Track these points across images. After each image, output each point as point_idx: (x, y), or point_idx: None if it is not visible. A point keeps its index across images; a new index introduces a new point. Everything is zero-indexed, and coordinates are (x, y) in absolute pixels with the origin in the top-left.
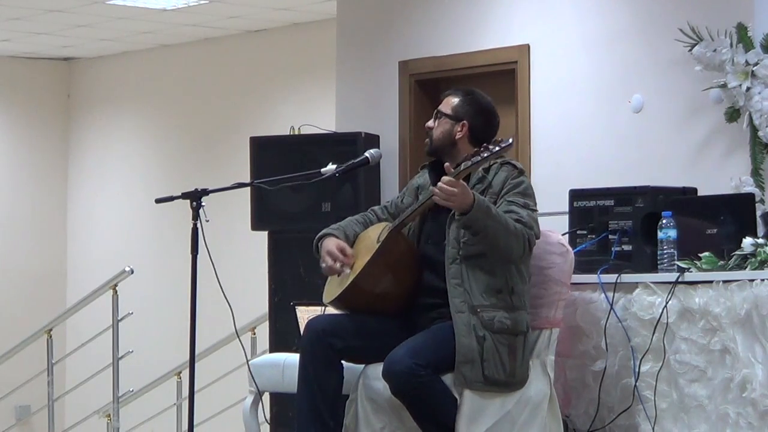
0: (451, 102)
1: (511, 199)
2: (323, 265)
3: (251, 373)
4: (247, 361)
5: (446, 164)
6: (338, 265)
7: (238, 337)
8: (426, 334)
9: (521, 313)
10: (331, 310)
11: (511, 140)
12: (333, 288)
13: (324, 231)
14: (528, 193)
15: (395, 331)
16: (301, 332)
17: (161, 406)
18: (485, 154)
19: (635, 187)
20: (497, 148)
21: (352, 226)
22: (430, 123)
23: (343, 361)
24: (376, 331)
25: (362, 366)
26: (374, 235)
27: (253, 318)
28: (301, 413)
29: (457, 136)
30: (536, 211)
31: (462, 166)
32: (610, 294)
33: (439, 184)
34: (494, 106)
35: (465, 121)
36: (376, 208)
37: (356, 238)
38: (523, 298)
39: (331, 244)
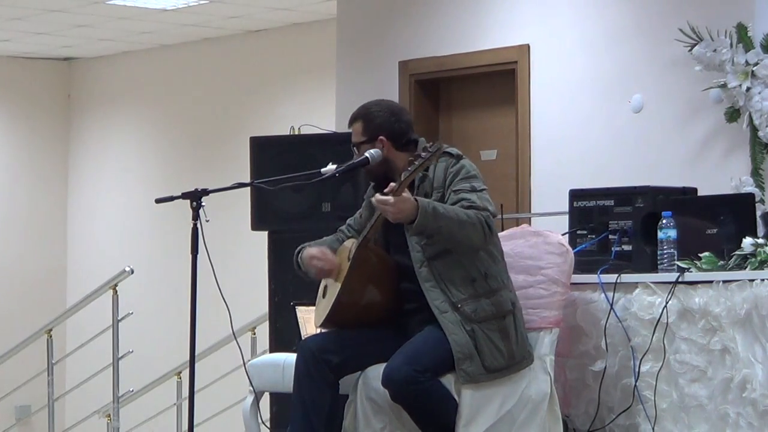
0: (357, 129)
1: (457, 188)
2: (313, 270)
3: (248, 375)
4: (244, 363)
5: (391, 184)
6: (327, 265)
7: (236, 338)
8: (421, 338)
9: (502, 293)
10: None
11: (438, 146)
12: (321, 310)
13: (300, 246)
14: (470, 176)
15: (391, 336)
16: (301, 332)
17: (161, 406)
18: (417, 163)
19: (635, 187)
20: (427, 155)
21: (329, 242)
22: (356, 157)
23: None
24: (370, 338)
25: None
26: (345, 253)
27: (253, 318)
28: (294, 431)
29: (385, 153)
30: (485, 189)
31: (402, 177)
32: (610, 294)
33: (373, 201)
34: (392, 102)
35: (381, 136)
36: (342, 227)
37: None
38: (499, 277)
39: (312, 251)
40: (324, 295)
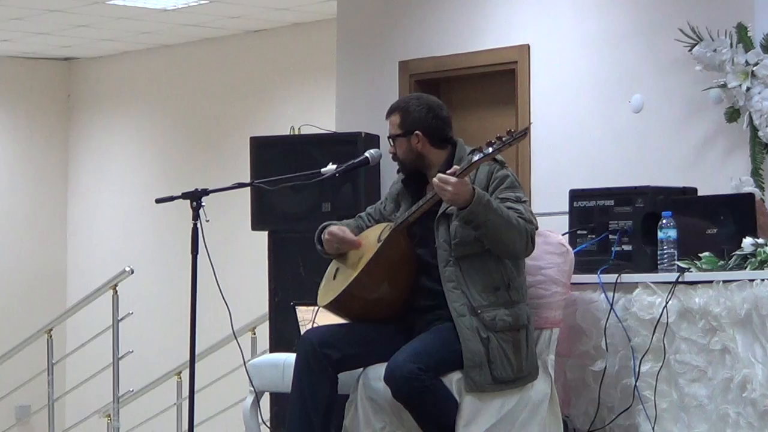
0: (394, 122)
1: (504, 196)
2: (330, 248)
3: (249, 375)
4: (245, 363)
5: (455, 166)
6: (347, 241)
7: (236, 338)
8: (426, 336)
9: (521, 307)
10: (324, 315)
11: (525, 130)
12: (328, 291)
13: (325, 223)
14: (516, 185)
15: (393, 335)
16: (301, 332)
17: (161, 406)
18: (496, 146)
19: (635, 187)
20: (509, 139)
21: (351, 226)
22: (390, 149)
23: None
24: (372, 337)
25: None
26: (374, 235)
27: (253, 318)
28: (291, 424)
29: (419, 148)
30: (527, 201)
31: (472, 159)
32: (610, 294)
33: (434, 180)
34: (434, 99)
35: (417, 131)
36: (362, 214)
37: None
38: (520, 290)
39: (335, 228)
40: (334, 277)
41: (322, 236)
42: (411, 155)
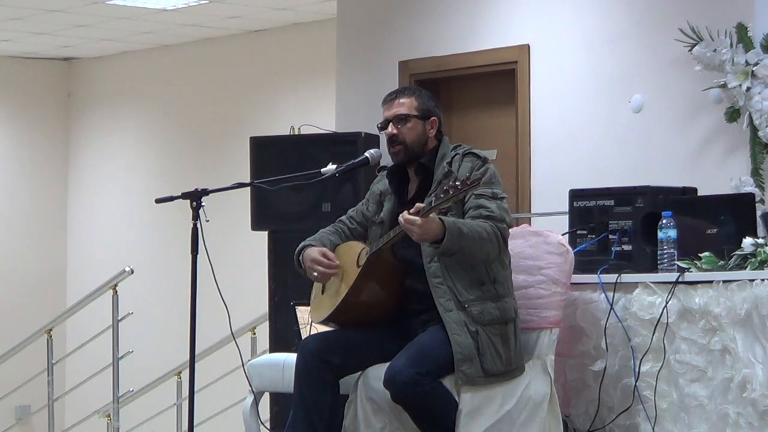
0: (409, 103)
1: (480, 192)
2: (314, 274)
3: (247, 375)
4: (243, 363)
5: (418, 204)
6: (329, 270)
7: (234, 339)
8: (423, 339)
9: (507, 300)
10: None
11: (477, 180)
12: (323, 307)
13: (301, 245)
14: (494, 182)
15: (389, 337)
16: (301, 332)
17: (161, 406)
18: (452, 192)
19: (635, 187)
20: (464, 188)
21: (327, 236)
22: (392, 131)
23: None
24: (370, 339)
25: None
26: (352, 255)
27: (253, 318)
28: None
29: (430, 134)
30: (505, 197)
31: (433, 203)
32: (610, 294)
33: (401, 219)
34: None
35: (434, 117)
36: (344, 218)
37: (335, 249)
38: (506, 284)
39: (313, 253)
40: (323, 291)
41: (301, 259)
42: (421, 140)
